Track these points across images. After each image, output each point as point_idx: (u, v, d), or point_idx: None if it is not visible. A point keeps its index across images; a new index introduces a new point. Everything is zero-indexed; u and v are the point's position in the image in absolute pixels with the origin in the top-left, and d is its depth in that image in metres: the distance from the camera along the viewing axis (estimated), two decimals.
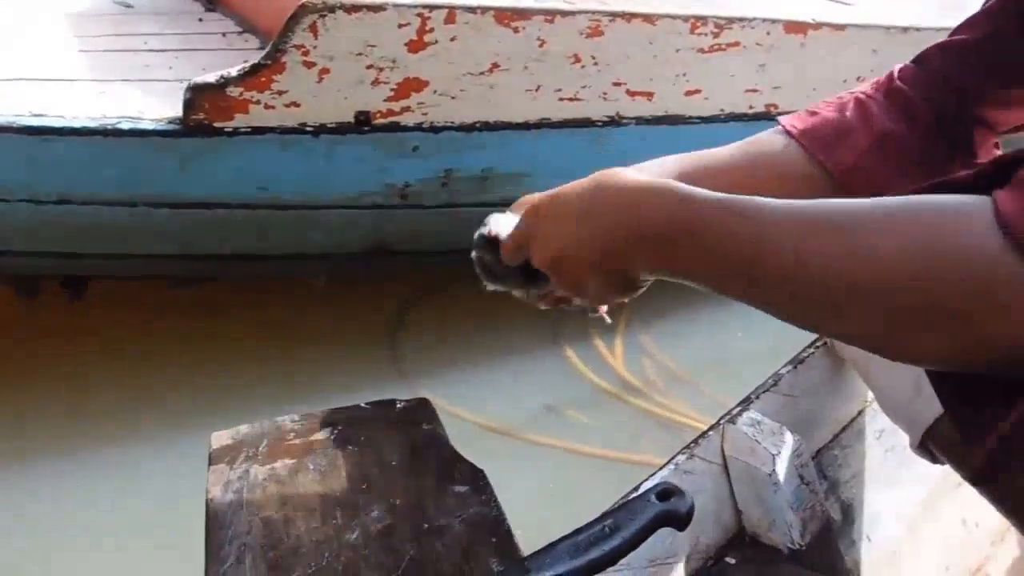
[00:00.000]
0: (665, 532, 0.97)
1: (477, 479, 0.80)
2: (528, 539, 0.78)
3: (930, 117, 1.01)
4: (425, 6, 1.83)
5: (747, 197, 0.70)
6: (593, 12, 1.94)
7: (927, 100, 1.01)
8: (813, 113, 1.05)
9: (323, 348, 2.18)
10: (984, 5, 1.03)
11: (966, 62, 1.01)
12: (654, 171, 1.01)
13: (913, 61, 1.06)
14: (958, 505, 1.27)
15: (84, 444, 1.92)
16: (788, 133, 1.03)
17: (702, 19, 1.99)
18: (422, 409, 0.86)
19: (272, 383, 2.02)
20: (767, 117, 2.14)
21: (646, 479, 0.96)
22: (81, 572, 1.66)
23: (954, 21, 1.11)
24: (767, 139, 1.05)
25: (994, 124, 1.02)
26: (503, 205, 2.11)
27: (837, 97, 1.06)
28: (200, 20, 2.59)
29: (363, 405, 0.87)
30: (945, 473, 1.10)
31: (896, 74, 1.05)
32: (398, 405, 0.86)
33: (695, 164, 1.05)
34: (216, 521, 0.73)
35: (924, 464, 0.99)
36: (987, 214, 0.59)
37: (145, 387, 2.05)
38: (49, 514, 1.76)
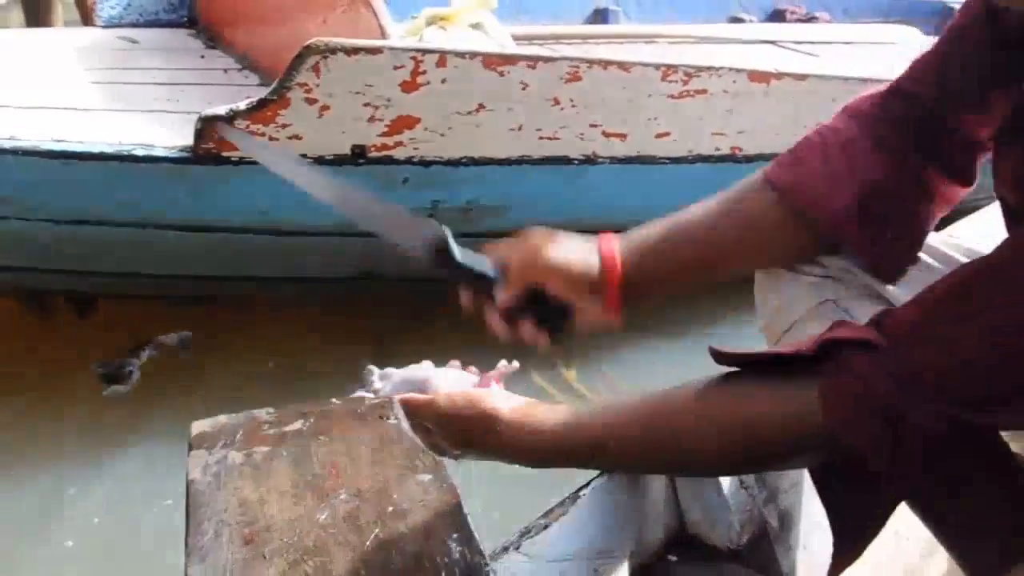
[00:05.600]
0: (612, 529, 1.00)
1: (438, 469, 0.84)
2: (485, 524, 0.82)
3: (917, 155, 0.96)
4: (419, 50, 1.88)
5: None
6: (572, 59, 1.99)
7: (913, 140, 0.96)
8: (798, 161, 0.99)
9: (310, 365, 2.21)
10: (951, 22, 0.98)
11: (944, 82, 0.95)
12: (637, 239, 1.00)
13: (891, 91, 1.00)
14: (891, 518, 1.30)
15: (72, 453, 1.93)
16: (773, 186, 0.98)
17: (673, 67, 2.04)
18: (388, 406, 0.90)
19: (261, 397, 2.03)
20: (732, 159, 2.19)
21: (595, 477, 1.00)
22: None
23: None
24: (751, 196, 1.00)
25: (983, 141, 0.96)
26: (486, 236, 2.16)
27: (818, 135, 1.00)
28: (202, 57, 2.63)
29: (334, 401, 0.90)
30: None
31: (881, 109, 0.99)
32: (366, 402, 0.90)
33: (681, 231, 1.00)
34: (196, 500, 0.77)
35: None
36: (814, 403, 0.75)
37: (138, 400, 2.07)
38: (39, 520, 1.78)
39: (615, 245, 0.99)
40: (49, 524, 1.76)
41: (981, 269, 0.71)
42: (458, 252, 0.98)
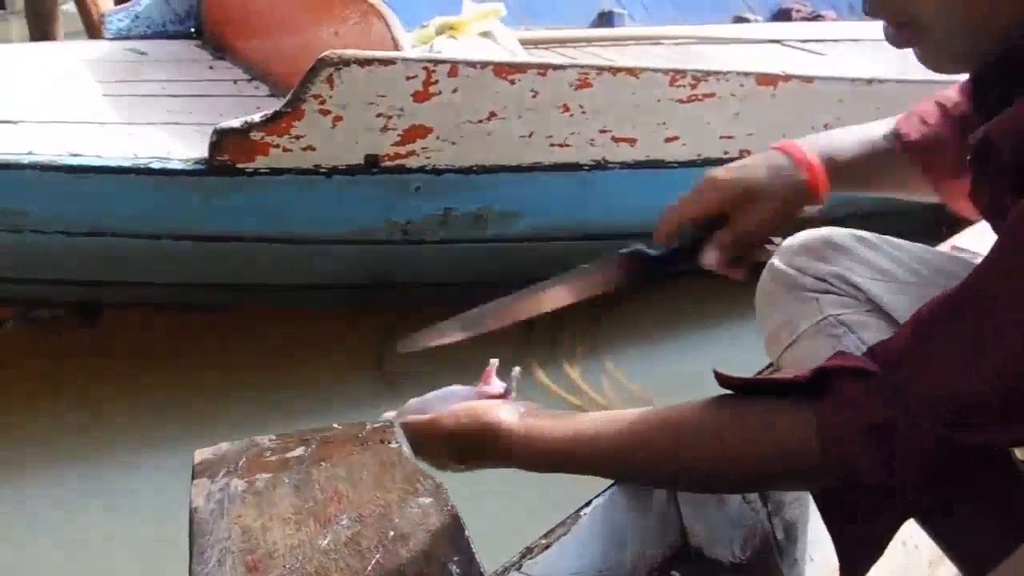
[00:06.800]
0: (613, 547, 1.00)
1: (439, 493, 0.83)
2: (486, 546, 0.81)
3: None
4: (431, 60, 1.89)
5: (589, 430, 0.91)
6: (582, 66, 1.99)
7: None
8: (924, 122, 1.05)
9: (317, 371, 2.20)
10: None
11: None
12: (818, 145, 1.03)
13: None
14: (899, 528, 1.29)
15: (76, 462, 1.94)
16: (903, 141, 1.05)
17: (681, 73, 2.03)
18: (389, 430, 0.89)
19: (266, 405, 2.03)
20: None
21: (597, 496, 0.99)
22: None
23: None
24: (887, 146, 1.06)
25: None
26: (497, 242, 2.17)
27: (939, 104, 1.05)
28: (211, 68, 2.63)
29: (335, 426, 0.90)
30: None
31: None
32: (367, 426, 0.90)
33: (844, 157, 1.04)
34: (199, 528, 0.77)
35: None
36: (810, 428, 0.76)
37: (141, 407, 2.07)
38: (44, 527, 1.80)
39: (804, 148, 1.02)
40: None
41: (964, 291, 0.72)
42: (650, 249, 1.02)
